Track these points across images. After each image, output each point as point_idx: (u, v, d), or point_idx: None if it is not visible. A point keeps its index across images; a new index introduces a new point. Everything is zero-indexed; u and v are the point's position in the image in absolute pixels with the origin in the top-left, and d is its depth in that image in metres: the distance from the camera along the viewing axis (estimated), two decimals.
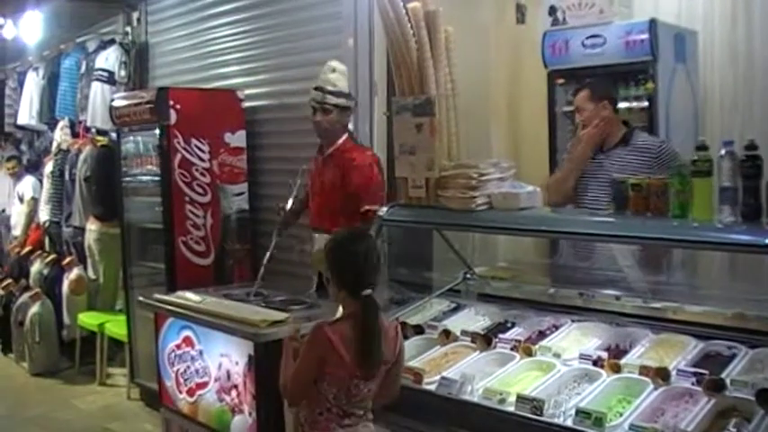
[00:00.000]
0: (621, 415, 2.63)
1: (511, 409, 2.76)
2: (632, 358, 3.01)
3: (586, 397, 2.76)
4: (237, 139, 5.42)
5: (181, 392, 3.77)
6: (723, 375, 2.77)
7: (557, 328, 3.40)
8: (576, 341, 3.25)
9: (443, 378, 2.98)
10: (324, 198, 4.16)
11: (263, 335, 3.23)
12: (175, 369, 3.79)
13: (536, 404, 2.71)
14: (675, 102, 4.42)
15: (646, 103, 4.43)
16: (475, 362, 3.16)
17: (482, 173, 3.20)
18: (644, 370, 2.89)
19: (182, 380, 3.75)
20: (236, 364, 3.37)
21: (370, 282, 2.72)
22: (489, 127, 5.33)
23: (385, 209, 3.46)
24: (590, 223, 2.97)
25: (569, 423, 2.63)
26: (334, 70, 4.19)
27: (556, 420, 2.66)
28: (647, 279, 3.52)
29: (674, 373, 2.83)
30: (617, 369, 2.94)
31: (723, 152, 2.72)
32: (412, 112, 3.31)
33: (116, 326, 6.08)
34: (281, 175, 4.98)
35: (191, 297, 3.86)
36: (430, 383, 3.00)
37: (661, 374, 2.84)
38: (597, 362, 3.00)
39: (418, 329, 3.48)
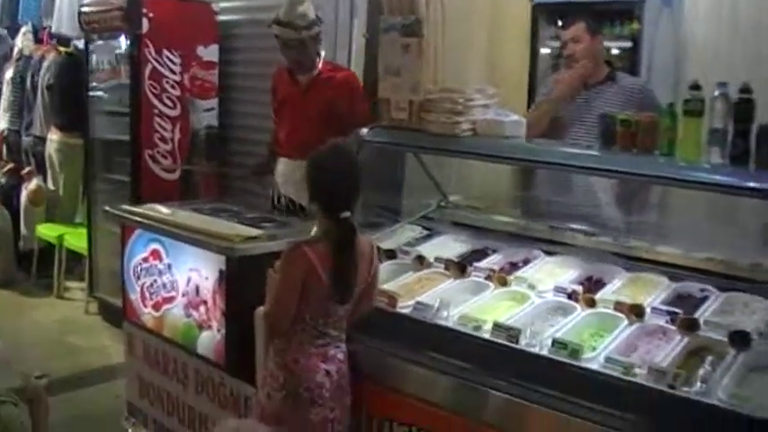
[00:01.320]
0: (595, 349, 2.63)
1: (486, 336, 2.75)
2: (607, 294, 3.02)
3: (561, 329, 2.76)
4: (210, 52, 5.28)
5: (146, 307, 3.70)
6: (696, 315, 2.79)
7: (530, 260, 3.39)
8: (550, 274, 3.24)
9: (418, 302, 2.95)
10: (306, 129, 3.97)
11: (236, 250, 3.15)
12: (141, 283, 3.71)
13: (512, 333, 2.70)
14: (658, 45, 4.37)
15: (629, 44, 4.37)
16: (449, 289, 3.13)
17: (468, 98, 3.13)
18: (618, 306, 2.89)
19: (147, 294, 3.68)
20: (206, 279, 3.30)
21: (348, 203, 2.67)
22: (466, 57, 5.21)
23: (366, 130, 3.37)
24: (576, 156, 2.93)
25: (545, 353, 2.63)
26: (301, 2, 3.98)
27: (531, 350, 2.66)
28: (624, 217, 3.52)
29: (648, 310, 2.84)
30: (591, 303, 2.94)
31: (717, 93, 2.68)
32: (400, 31, 3.21)
33: (75, 238, 5.96)
34: (253, 93, 4.87)
35: (160, 209, 3.76)
36: (404, 307, 2.97)
37: (635, 311, 2.84)
38: (572, 295, 2.99)
39: (390, 254, 3.43)
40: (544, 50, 4.69)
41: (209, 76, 5.28)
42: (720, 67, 4.50)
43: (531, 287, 3.10)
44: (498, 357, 2.68)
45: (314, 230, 2.82)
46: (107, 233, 5.36)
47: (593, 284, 3.15)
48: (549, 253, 3.41)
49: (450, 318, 2.87)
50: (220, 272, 3.21)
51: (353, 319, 2.81)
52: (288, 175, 4.07)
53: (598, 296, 2.97)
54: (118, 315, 5.03)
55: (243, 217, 3.68)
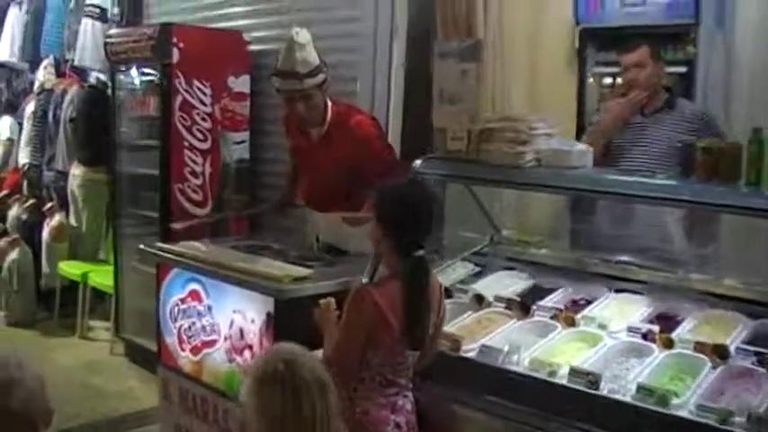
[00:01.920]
0: (677, 394, 2.42)
1: (563, 381, 2.54)
2: (683, 333, 2.82)
3: (640, 373, 2.56)
4: (241, 83, 5.11)
5: (183, 350, 3.49)
6: None
7: (595, 297, 3.20)
8: (619, 312, 3.05)
9: (484, 346, 2.75)
10: (325, 185, 3.72)
11: (285, 291, 2.95)
12: (178, 325, 3.51)
13: (591, 378, 2.50)
14: (714, 69, 4.18)
15: (683, 69, 4.18)
16: (513, 330, 2.95)
17: (531, 126, 2.95)
18: (699, 346, 2.69)
19: (185, 337, 3.48)
20: (252, 321, 3.09)
21: (423, 239, 2.48)
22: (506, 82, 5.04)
23: (419, 161, 3.19)
24: (654, 186, 2.73)
25: (628, 399, 2.43)
26: (301, 46, 3.53)
27: (614, 396, 2.46)
28: (694, 251, 3.32)
29: (732, 351, 2.64)
30: (669, 344, 2.74)
31: None
32: (457, 57, 3.05)
33: (100, 276, 5.77)
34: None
35: (198, 247, 3.58)
36: (469, 351, 2.78)
37: (719, 352, 2.65)
38: (647, 335, 2.80)
39: (446, 293, 3.24)
40: (596, 71, 4.48)
41: (240, 108, 5.11)
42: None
43: (602, 327, 2.91)
44: (578, 405, 2.49)
45: (379, 270, 2.63)
46: (134, 271, 5.18)
47: (667, 323, 2.95)
48: (613, 290, 3.22)
49: (521, 362, 2.67)
50: (268, 314, 3.01)
51: (420, 365, 2.60)
52: (321, 224, 3.86)
53: (675, 336, 2.77)
54: (146, 356, 4.88)
55: (287, 255, 3.49)
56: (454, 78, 3.06)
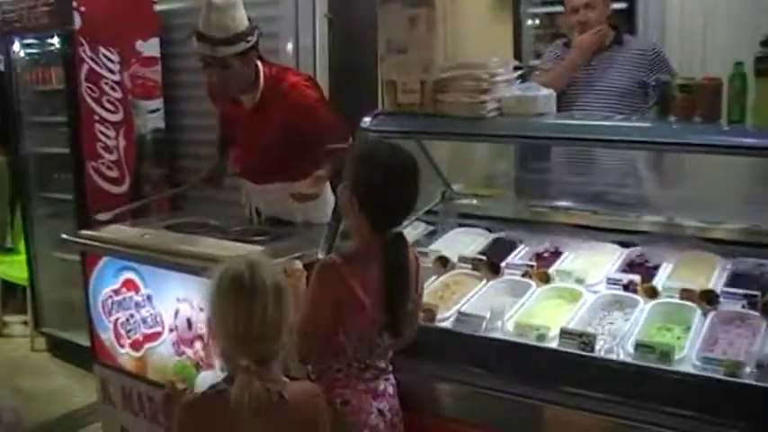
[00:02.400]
0: (679, 348, 2.27)
1: (554, 345, 2.36)
2: (664, 281, 2.67)
3: (631, 328, 2.40)
4: (151, 47, 4.73)
5: (123, 346, 3.17)
6: None
7: (557, 248, 3.04)
8: (591, 264, 2.88)
9: (461, 313, 2.54)
10: (264, 156, 3.42)
11: None
12: (114, 319, 3.18)
13: (585, 339, 2.32)
14: (652, 4, 4.02)
15: (623, 4, 4.01)
16: (485, 292, 2.74)
17: (492, 73, 2.72)
18: (686, 293, 2.55)
19: (123, 331, 3.15)
20: (202, 310, 2.80)
21: (405, 215, 2.23)
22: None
23: (368, 118, 2.91)
24: (633, 129, 2.53)
25: (629, 359, 2.26)
26: (219, 9, 3.15)
27: (612, 356, 2.29)
28: (657, 193, 3.19)
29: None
30: (653, 294, 2.59)
31: None
32: (403, 1, 2.77)
33: (11, 267, 5.32)
34: (202, 89, 4.34)
35: (127, 231, 3.23)
36: (445, 319, 2.56)
37: (707, 297, 2.51)
38: (629, 286, 2.64)
39: None
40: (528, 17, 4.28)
41: (151, 74, 4.73)
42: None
43: (579, 281, 2.73)
44: (574, 370, 2.30)
45: (338, 242, 2.37)
46: (51, 260, 4.77)
47: (643, 271, 2.81)
48: (579, 240, 3.05)
49: (505, 328, 2.47)
50: None
51: (399, 345, 2.37)
52: (260, 196, 3.57)
53: (658, 284, 2.63)
54: (73, 352, 4.51)
55: (227, 232, 3.19)
56: (402, 26, 2.78)
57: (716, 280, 2.68)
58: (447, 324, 2.55)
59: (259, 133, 3.35)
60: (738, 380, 2.14)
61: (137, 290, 3.05)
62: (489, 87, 2.69)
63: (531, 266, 2.82)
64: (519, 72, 2.87)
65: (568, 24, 3.61)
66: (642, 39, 3.74)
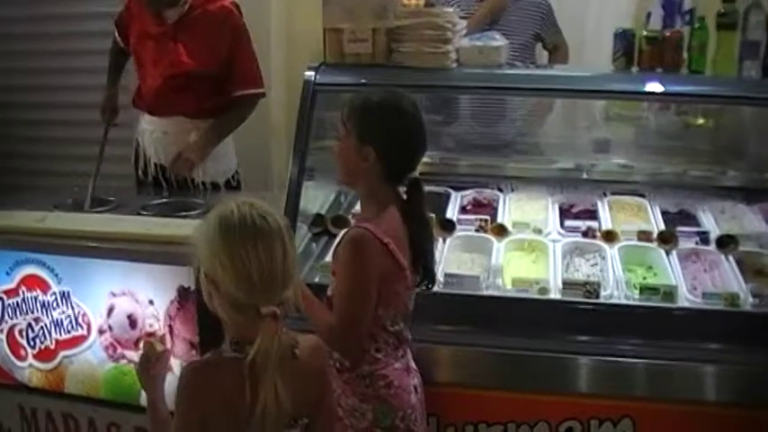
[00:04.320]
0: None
1: (558, 297, 2.35)
2: (608, 225, 2.76)
3: (614, 271, 2.46)
4: None
5: (23, 359, 2.63)
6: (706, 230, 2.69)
7: (487, 199, 3.05)
8: (533, 212, 2.91)
9: (449, 275, 2.43)
10: (178, 82, 3.09)
11: None
12: (7, 327, 2.63)
13: (589, 287, 2.34)
14: None
15: None
16: (451, 250, 2.66)
17: (453, 22, 2.60)
18: (643, 235, 2.67)
19: (22, 341, 2.62)
20: (151, 303, 2.40)
21: (418, 161, 2.07)
22: None
23: (312, 72, 2.66)
24: (601, 78, 2.56)
25: (634, 302, 2.32)
26: None
27: (618, 301, 2.33)
28: (571, 140, 3.28)
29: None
30: (613, 238, 2.67)
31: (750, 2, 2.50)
32: None
33: None
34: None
35: (14, 215, 2.67)
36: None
37: (664, 238, 2.65)
38: (587, 233, 2.70)
39: (340, 222, 2.83)
40: None
41: None
42: None
43: (537, 231, 2.74)
44: (585, 318, 2.31)
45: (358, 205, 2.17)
46: None
47: (585, 216, 2.89)
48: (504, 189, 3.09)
49: (503, 286, 2.41)
50: (181, 290, 2.34)
51: None
52: (158, 136, 3.18)
53: (617, 229, 2.71)
54: None
55: (151, 206, 2.78)
56: None
57: (656, 220, 2.82)
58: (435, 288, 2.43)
59: (177, 55, 3.05)
60: (738, 309, 2.28)
61: (44, 288, 2.54)
62: (452, 37, 2.58)
63: (485, 220, 2.77)
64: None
65: None
66: None
